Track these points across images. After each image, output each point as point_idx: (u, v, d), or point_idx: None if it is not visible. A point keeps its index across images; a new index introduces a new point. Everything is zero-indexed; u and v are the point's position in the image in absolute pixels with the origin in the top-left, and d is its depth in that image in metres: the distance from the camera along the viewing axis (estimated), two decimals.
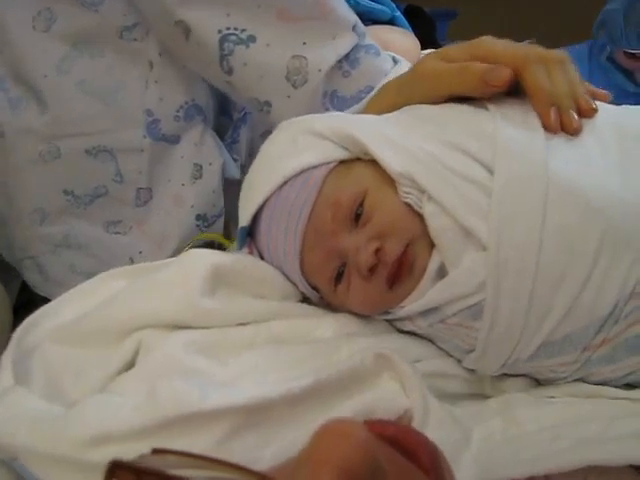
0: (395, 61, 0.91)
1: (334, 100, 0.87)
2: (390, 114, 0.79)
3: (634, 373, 0.67)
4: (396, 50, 1.09)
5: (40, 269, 1.04)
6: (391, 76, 0.88)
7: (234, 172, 1.05)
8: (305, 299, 0.78)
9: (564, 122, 0.68)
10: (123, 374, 0.66)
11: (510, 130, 0.69)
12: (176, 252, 0.99)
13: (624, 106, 0.76)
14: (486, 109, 0.72)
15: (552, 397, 0.70)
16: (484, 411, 0.70)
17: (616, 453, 0.58)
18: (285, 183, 0.73)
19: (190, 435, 0.56)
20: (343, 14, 0.86)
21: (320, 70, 0.84)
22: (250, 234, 0.79)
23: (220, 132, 1.07)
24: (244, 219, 0.77)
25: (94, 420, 0.57)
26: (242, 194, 0.79)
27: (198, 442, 0.56)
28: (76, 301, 0.74)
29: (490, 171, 0.67)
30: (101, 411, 0.58)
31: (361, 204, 0.70)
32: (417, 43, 1.19)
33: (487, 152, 0.68)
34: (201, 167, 0.99)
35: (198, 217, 1.00)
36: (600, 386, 0.69)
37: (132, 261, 1.01)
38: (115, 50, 0.90)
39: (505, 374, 0.72)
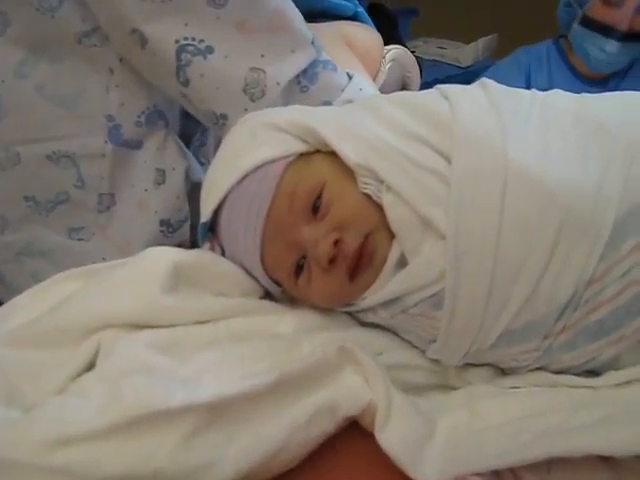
0: (349, 77, 0.92)
1: None
2: (347, 105, 0.80)
3: (594, 359, 0.68)
4: (359, 45, 1.09)
5: (1, 278, 1.02)
6: (347, 91, 0.88)
7: (201, 176, 1.04)
8: (267, 295, 0.78)
9: None
10: (84, 375, 0.66)
11: (467, 118, 0.69)
12: None
13: (583, 94, 0.77)
14: (444, 98, 0.73)
15: (516, 387, 0.70)
16: (448, 403, 0.70)
17: (578, 444, 0.59)
18: (244, 178, 0.73)
19: (155, 434, 0.56)
20: (302, 28, 0.86)
21: (279, 84, 0.84)
22: (211, 229, 0.78)
23: (187, 135, 1.06)
24: (205, 214, 0.76)
25: (56, 422, 0.57)
26: (203, 190, 0.79)
27: (163, 441, 0.56)
28: (28, 304, 0.73)
29: (448, 160, 0.67)
30: (63, 413, 0.58)
31: (319, 196, 0.70)
32: (380, 39, 1.19)
33: (445, 141, 0.68)
34: (164, 172, 0.99)
35: (162, 223, 1.00)
36: (562, 375, 0.70)
37: None
38: (74, 55, 0.89)
39: (469, 364, 0.73)
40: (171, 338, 0.68)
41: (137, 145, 0.96)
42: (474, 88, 0.76)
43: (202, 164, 1.07)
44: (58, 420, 0.57)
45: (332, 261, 0.69)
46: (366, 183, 0.69)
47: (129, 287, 0.70)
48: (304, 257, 0.71)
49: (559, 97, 0.76)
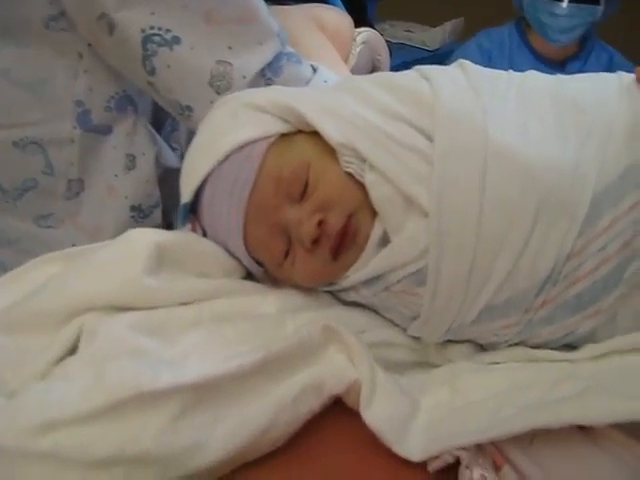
0: (314, 69, 0.92)
1: None
2: (328, 86, 0.80)
3: (572, 333, 0.69)
4: (330, 28, 1.08)
5: None
6: (312, 84, 0.88)
7: (173, 161, 1.04)
8: (249, 275, 0.78)
9: None
10: (67, 359, 0.65)
11: (449, 97, 0.70)
12: None
13: (558, 75, 0.78)
14: (424, 78, 0.74)
15: (495, 363, 0.72)
16: (430, 380, 0.71)
17: (559, 416, 0.60)
18: (226, 158, 0.72)
19: (140, 416, 0.56)
20: (268, 20, 0.86)
21: (245, 77, 0.84)
22: (193, 210, 0.78)
23: (159, 121, 1.05)
24: (186, 195, 0.76)
25: (40, 407, 0.56)
26: (183, 170, 0.78)
27: (149, 423, 0.56)
28: (6, 289, 0.72)
29: (430, 139, 0.68)
30: (47, 397, 0.57)
31: (304, 178, 0.70)
32: (351, 22, 1.19)
33: (427, 120, 0.69)
34: (134, 157, 0.98)
35: (133, 208, 0.99)
36: (541, 350, 0.71)
37: None
38: (41, 40, 0.87)
39: (449, 341, 0.74)
40: (155, 320, 0.67)
41: (106, 130, 0.95)
42: (453, 69, 0.76)
43: (174, 149, 1.06)
44: (43, 404, 0.56)
45: (316, 241, 0.69)
46: (348, 162, 0.70)
47: (111, 269, 0.69)
48: (288, 237, 0.71)
49: (535, 78, 0.77)
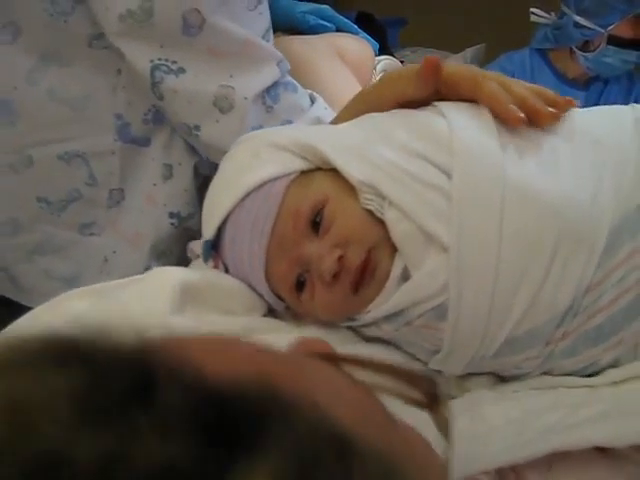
0: (312, 100, 0.95)
1: None
2: (347, 123, 0.80)
3: (594, 364, 0.70)
4: (351, 57, 1.10)
5: (12, 280, 1.04)
6: (313, 111, 0.92)
7: (213, 171, 1.07)
8: (271, 311, 0.79)
9: (531, 111, 0.69)
10: None
11: (466, 135, 0.70)
12: (151, 250, 1.02)
13: (573, 109, 0.79)
14: (441, 115, 0.73)
15: (516, 391, 0.72)
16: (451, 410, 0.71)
17: (580, 437, 0.61)
18: (247, 195, 0.73)
19: None
20: (270, 51, 0.90)
21: (246, 98, 0.87)
22: (215, 247, 0.79)
23: None
24: (208, 232, 0.77)
25: None
26: (205, 208, 0.80)
27: None
28: (34, 324, 0.72)
29: (449, 175, 0.68)
30: None
31: (319, 212, 0.71)
32: (371, 50, 1.20)
33: (445, 157, 0.69)
34: (171, 167, 1.01)
35: (171, 215, 1.02)
36: (561, 376, 0.71)
37: (106, 261, 1.02)
38: (84, 58, 0.91)
39: (470, 373, 0.74)
40: None
41: (145, 142, 0.98)
42: (470, 105, 0.75)
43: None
44: None
45: (335, 276, 0.69)
46: (368, 199, 0.70)
47: (137, 307, 0.70)
48: (307, 271, 0.72)
49: None
